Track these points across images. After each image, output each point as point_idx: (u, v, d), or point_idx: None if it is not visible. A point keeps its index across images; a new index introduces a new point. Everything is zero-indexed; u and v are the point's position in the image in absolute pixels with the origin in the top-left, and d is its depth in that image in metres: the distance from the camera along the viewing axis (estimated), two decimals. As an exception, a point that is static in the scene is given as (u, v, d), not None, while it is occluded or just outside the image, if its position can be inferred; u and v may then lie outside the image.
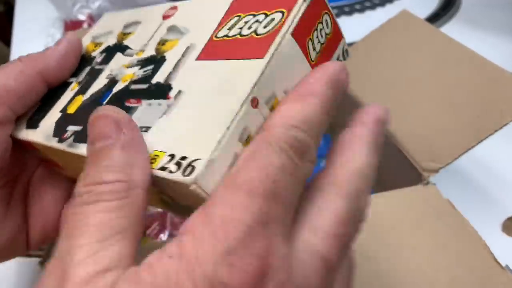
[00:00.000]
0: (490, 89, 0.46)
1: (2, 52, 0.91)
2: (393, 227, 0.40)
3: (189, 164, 0.19)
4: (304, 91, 0.20)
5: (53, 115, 0.29)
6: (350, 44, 0.59)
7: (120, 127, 0.20)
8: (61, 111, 0.29)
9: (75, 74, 0.31)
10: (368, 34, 0.56)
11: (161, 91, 0.24)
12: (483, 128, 0.44)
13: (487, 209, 0.48)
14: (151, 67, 0.27)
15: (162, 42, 0.28)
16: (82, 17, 0.72)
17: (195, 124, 0.21)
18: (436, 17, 0.76)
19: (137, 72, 0.27)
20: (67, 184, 0.31)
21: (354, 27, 0.79)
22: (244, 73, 0.21)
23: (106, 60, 0.31)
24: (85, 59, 0.32)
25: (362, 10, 0.81)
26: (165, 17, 0.30)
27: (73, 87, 0.30)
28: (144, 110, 0.24)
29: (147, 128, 0.23)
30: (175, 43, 0.27)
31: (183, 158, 0.20)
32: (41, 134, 0.28)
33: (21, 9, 0.76)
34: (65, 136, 0.26)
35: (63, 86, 0.31)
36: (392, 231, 0.39)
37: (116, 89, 0.27)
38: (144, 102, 0.24)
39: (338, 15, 0.80)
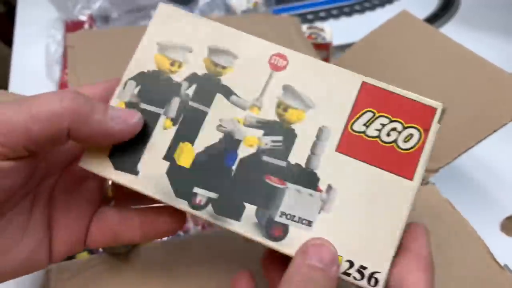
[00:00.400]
0: (489, 89, 0.46)
1: (3, 53, 0.91)
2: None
3: (371, 276, 0.25)
4: None
5: (155, 161, 0.27)
6: (350, 45, 0.59)
7: (334, 263, 0.25)
8: (166, 159, 0.27)
9: (158, 101, 0.28)
10: (367, 34, 0.57)
11: (309, 180, 0.27)
12: (483, 128, 0.44)
13: (486, 209, 0.49)
14: (279, 138, 0.27)
15: (284, 108, 0.28)
16: (83, 17, 0.72)
17: (364, 234, 0.26)
18: (435, 18, 0.76)
19: (264, 139, 0.27)
20: (95, 195, 0.30)
21: (354, 27, 0.79)
22: (396, 192, 0.26)
23: (203, 98, 0.28)
24: (165, 80, 0.29)
25: (362, 10, 0.81)
26: (274, 67, 0.28)
27: (166, 125, 0.28)
28: (294, 197, 0.27)
29: (309, 222, 0.26)
30: (301, 116, 0.27)
31: (363, 267, 0.26)
32: (152, 187, 0.27)
33: (22, 9, 0.76)
34: (198, 201, 0.27)
35: (143, 115, 0.28)
36: None
37: (241, 152, 0.27)
38: (291, 186, 0.27)
39: (338, 15, 0.80)
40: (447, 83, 0.49)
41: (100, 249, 0.41)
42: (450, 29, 0.74)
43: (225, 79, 0.28)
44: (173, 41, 0.29)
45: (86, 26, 0.70)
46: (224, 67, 0.28)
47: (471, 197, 0.49)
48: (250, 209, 0.26)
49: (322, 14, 0.81)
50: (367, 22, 0.69)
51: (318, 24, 0.78)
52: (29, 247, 0.27)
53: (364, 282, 0.25)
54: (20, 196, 0.26)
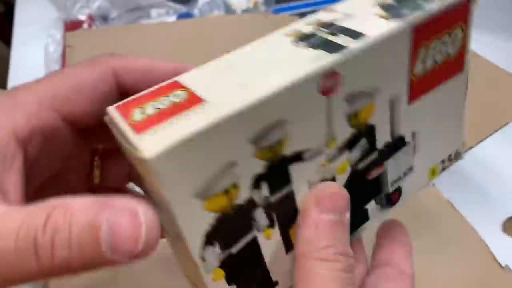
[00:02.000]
0: (490, 89, 0.46)
1: (2, 52, 0.91)
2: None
3: (457, 154, 0.31)
4: None
5: (280, 262, 0.24)
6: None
7: (346, 208, 0.23)
8: (288, 251, 0.24)
9: (244, 231, 0.22)
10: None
11: (398, 144, 0.27)
12: (483, 128, 0.44)
13: (487, 209, 0.48)
14: (363, 142, 0.25)
15: (354, 115, 0.23)
16: (82, 17, 0.72)
17: (441, 135, 0.29)
18: (436, 18, 0.76)
19: (351, 155, 0.25)
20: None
21: (354, 27, 0.79)
22: (454, 89, 0.28)
23: (280, 183, 0.22)
24: (235, 217, 0.21)
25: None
26: (327, 91, 0.21)
27: (267, 235, 0.23)
28: (393, 166, 0.27)
29: (410, 168, 0.29)
30: (371, 107, 0.24)
31: (449, 156, 0.31)
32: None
33: (21, 9, 0.76)
34: None
35: (244, 253, 0.22)
36: None
37: (342, 183, 0.25)
38: (387, 163, 0.27)
39: (337, 15, 0.79)
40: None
41: None
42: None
43: (288, 150, 0.21)
44: (207, 175, 0.19)
45: (85, 25, 0.69)
46: (279, 142, 0.21)
47: (472, 197, 0.48)
48: (371, 205, 0.27)
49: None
50: (367, 22, 0.70)
51: (318, 23, 0.78)
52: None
53: (451, 163, 0.31)
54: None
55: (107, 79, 0.22)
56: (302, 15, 0.80)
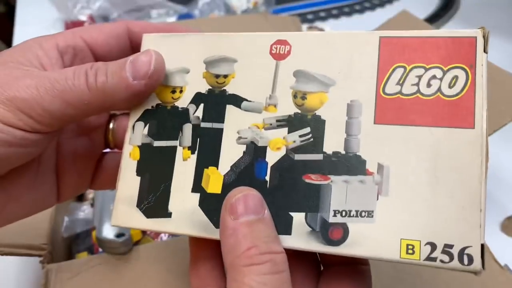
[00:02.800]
0: (489, 89, 0.46)
1: (3, 53, 0.91)
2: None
3: (462, 253, 0.20)
4: None
5: (184, 197, 0.24)
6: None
7: (261, 206, 0.22)
8: (195, 191, 0.24)
9: (170, 134, 0.26)
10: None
11: (354, 166, 0.22)
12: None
13: (486, 209, 0.48)
14: (307, 130, 0.23)
15: (302, 96, 0.24)
16: (82, 17, 0.71)
17: (436, 207, 0.21)
18: (436, 17, 0.76)
19: (290, 137, 0.23)
20: (99, 142, 0.30)
21: (354, 27, 0.78)
22: (460, 148, 0.21)
23: (214, 116, 0.25)
24: (171, 111, 0.26)
25: (361, 10, 0.81)
26: (278, 56, 0.25)
27: (185, 155, 0.25)
28: (343, 190, 0.22)
29: (369, 213, 0.22)
30: (324, 98, 0.23)
31: (448, 246, 0.21)
32: (188, 225, 0.24)
33: (22, 9, 0.75)
34: None
35: (160, 153, 0.25)
36: None
37: (270, 159, 0.24)
38: (336, 179, 0.22)
39: (338, 15, 0.79)
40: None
41: (100, 249, 0.40)
42: (451, 29, 0.74)
43: (231, 88, 0.25)
44: (168, 68, 0.26)
45: (86, 25, 0.70)
46: (225, 76, 0.25)
47: None
48: (298, 218, 0.23)
49: (322, 14, 0.79)
50: (367, 22, 0.68)
51: (318, 24, 0.76)
52: (39, 193, 0.28)
53: (455, 263, 0.20)
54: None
55: (121, 27, 0.28)
56: (302, 15, 0.80)
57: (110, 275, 0.36)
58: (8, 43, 0.74)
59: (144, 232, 0.41)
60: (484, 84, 0.22)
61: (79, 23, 0.69)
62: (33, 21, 0.72)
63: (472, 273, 0.21)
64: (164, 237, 0.43)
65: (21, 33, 0.71)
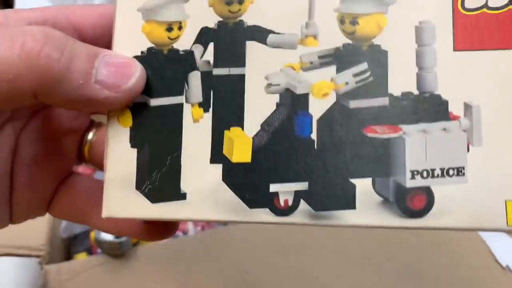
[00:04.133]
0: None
1: None
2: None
3: None
4: None
5: (202, 171, 0.19)
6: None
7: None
8: (215, 161, 0.19)
9: (172, 88, 0.19)
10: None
11: (433, 109, 0.17)
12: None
13: None
14: (364, 67, 0.18)
15: (351, 20, 0.18)
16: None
17: None
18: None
19: (340, 77, 0.18)
20: (70, 153, 0.24)
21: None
22: None
23: (231, 58, 0.19)
24: (169, 56, 0.19)
25: None
26: None
27: (196, 115, 0.19)
28: (421, 143, 0.17)
29: (458, 170, 0.17)
30: (382, 21, 0.18)
31: None
32: (212, 208, 0.18)
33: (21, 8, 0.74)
34: (284, 204, 0.18)
35: (161, 115, 0.19)
36: (392, 231, 0.38)
37: (315, 111, 0.18)
38: (410, 129, 0.17)
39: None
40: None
41: (99, 250, 0.40)
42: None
43: (250, 17, 0.19)
44: None
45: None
46: (241, 1, 0.19)
47: None
48: (363, 186, 0.17)
49: None
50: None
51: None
52: None
53: None
54: None
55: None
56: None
57: (109, 276, 0.37)
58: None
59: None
60: None
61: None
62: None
63: None
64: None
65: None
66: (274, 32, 0.18)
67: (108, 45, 0.20)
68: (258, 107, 0.18)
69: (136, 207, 0.19)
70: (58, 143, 0.23)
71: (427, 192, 0.17)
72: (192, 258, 0.38)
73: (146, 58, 0.19)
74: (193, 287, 0.36)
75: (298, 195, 0.18)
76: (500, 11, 0.17)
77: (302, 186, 0.18)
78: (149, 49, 0.19)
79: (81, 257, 0.42)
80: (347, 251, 0.38)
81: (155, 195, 0.19)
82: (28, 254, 0.36)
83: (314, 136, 0.18)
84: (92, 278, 0.36)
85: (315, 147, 0.18)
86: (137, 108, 0.19)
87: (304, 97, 0.18)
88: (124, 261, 0.37)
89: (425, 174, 0.17)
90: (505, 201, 0.16)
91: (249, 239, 0.38)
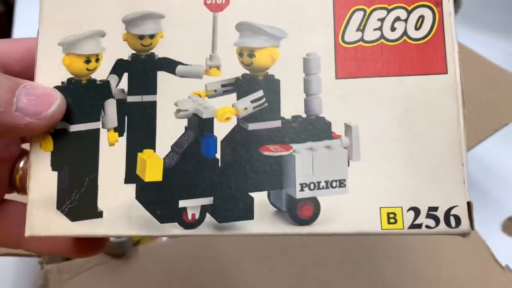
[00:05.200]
0: (490, 89, 0.46)
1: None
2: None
3: (448, 215, 0.19)
4: None
5: (117, 190, 0.20)
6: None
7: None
8: (129, 181, 0.20)
9: (89, 115, 0.21)
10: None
11: (318, 129, 0.19)
12: (484, 128, 0.44)
13: (487, 209, 0.46)
14: (259, 94, 0.20)
15: (249, 53, 0.20)
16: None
17: (414, 167, 0.19)
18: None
19: (240, 104, 0.20)
20: (1, 182, 0.24)
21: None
22: (433, 97, 0.19)
23: (143, 86, 0.21)
24: (87, 85, 0.21)
25: None
26: (214, 6, 0.21)
27: (111, 139, 0.21)
28: (308, 159, 0.19)
29: (340, 182, 0.19)
30: (275, 54, 0.20)
31: (433, 209, 0.19)
32: (126, 224, 0.20)
33: (21, 9, 0.75)
34: (191, 217, 0.20)
35: (79, 140, 0.21)
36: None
37: (219, 133, 0.20)
38: (299, 147, 0.19)
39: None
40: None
41: None
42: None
43: (160, 50, 0.21)
44: (77, 32, 0.21)
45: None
46: (152, 36, 0.21)
47: (472, 197, 0.47)
48: (260, 198, 0.19)
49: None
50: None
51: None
52: None
53: (442, 228, 0.19)
54: None
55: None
56: None
57: (109, 276, 0.36)
58: (7, 42, 0.73)
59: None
60: (453, 23, 0.19)
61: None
62: (32, 20, 0.72)
63: (461, 236, 0.19)
64: (164, 237, 0.43)
65: (20, 32, 0.70)
66: (182, 63, 0.20)
67: (34, 76, 0.21)
68: (169, 130, 0.20)
69: (57, 225, 0.20)
70: None
71: (314, 202, 0.19)
72: (192, 258, 0.37)
73: (66, 88, 0.21)
74: (193, 287, 0.36)
75: (204, 209, 0.19)
76: (373, 44, 0.19)
77: (208, 200, 0.19)
78: (69, 80, 0.21)
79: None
80: (347, 251, 0.38)
81: (74, 214, 0.20)
82: (29, 254, 0.35)
83: (218, 155, 0.19)
84: (92, 278, 0.35)
85: (219, 165, 0.19)
86: (57, 133, 0.20)
87: (210, 121, 0.20)
88: (124, 261, 0.36)
89: (312, 186, 0.19)
90: (380, 208, 0.19)
91: (249, 239, 0.37)
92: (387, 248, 0.38)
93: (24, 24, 0.75)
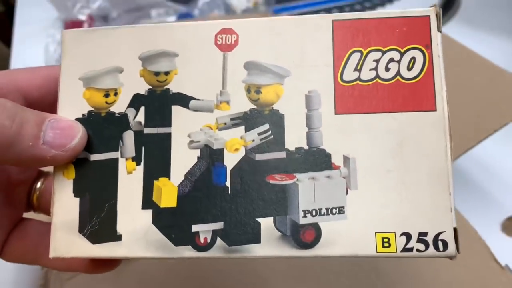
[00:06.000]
0: (490, 89, 0.46)
1: (2, 52, 0.91)
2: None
3: (436, 239, 0.20)
4: None
5: (135, 215, 0.22)
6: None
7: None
8: (146, 207, 0.22)
9: (109, 145, 0.22)
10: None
11: (319, 161, 0.21)
12: (483, 128, 0.44)
13: (486, 209, 0.46)
14: (266, 127, 0.21)
15: (256, 89, 0.22)
16: (82, 17, 0.71)
17: (406, 195, 0.20)
18: (436, 17, 0.76)
19: (248, 136, 0.21)
20: (20, 201, 0.26)
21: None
22: (424, 132, 0.21)
23: (159, 119, 0.22)
24: (106, 118, 0.22)
25: (362, 10, 0.81)
26: (224, 46, 0.22)
27: (129, 168, 0.22)
28: (310, 188, 0.21)
29: (340, 209, 0.21)
30: (279, 91, 0.22)
31: (423, 234, 0.20)
32: (143, 247, 0.21)
33: (21, 9, 0.75)
34: (203, 241, 0.21)
35: (100, 168, 0.22)
36: None
37: (229, 163, 0.21)
38: (302, 177, 0.21)
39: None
40: (448, 83, 0.49)
41: None
42: (451, 29, 0.73)
43: (174, 86, 0.22)
44: (96, 68, 0.23)
45: (86, 25, 0.69)
46: (167, 73, 0.23)
47: (472, 197, 0.47)
48: (266, 224, 0.21)
49: (322, 14, 0.80)
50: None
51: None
52: None
53: (431, 251, 0.20)
54: None
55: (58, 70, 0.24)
56: (302, 15, 0.80)
57: (109, 276, 0.33)
58: (7, 43, 0.73)
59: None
60: (441, 64, 0.21)
61: (79, 23, 0.69)
62: (32, 20, 0.71)
63: (448, 258, 0.20)
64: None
65: (20, 33, 0.70)
66: (195, 98, 0.22)
67: (52, 102, 0.22)
68: (182, 160, 0.22)
69: (79, 247, 0.21)
70: (8, 194, 0.24)
71: (316, 228, 0.20)
72: (191, 258, 0.37)
73: (87, 120, 0.22)
74: (194, 287, 0.36)
75: (215, 233, 0.21)
76: (369, 82, 0.21)
77: (219, 225, 0.21)
78: (89, 112, 0.22)
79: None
80: None
81: (95, 237, 0.21)
82: None
83: (228, 183, 0.21)
84: (92, 278, 0.35)
85: (229, 192, 0.21)
86: (79, 162, 0.22)
87: (220, 152, 0.21)
88: (124, 261, 0.34)
89: (314, 212, 0.21)
90: (375, 233, 0.20)
91: None
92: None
93: (24, 24, 0.76)
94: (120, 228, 0.22)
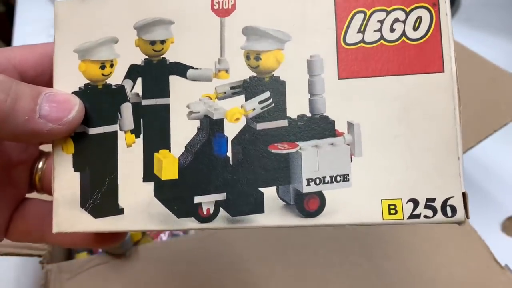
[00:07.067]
0: (490, 89, 0.46)
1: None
2: (393, 226, 0.39)
3: (445, 205, 0.20)
4: None
5: (136, 188, 0.21)
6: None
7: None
8: (147, 180, 0.21)
9: (107, 118, 0.22)
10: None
11: (322, 128, 0.20)
12: (483, 128, 0.44)
13: (486, 209, 0.46)
14: (266, 95, 0.21)
15: (255, 56, 0.21)
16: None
17: (413, 161, 0.20)
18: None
19: (248, 105, 0.21)
20: (22, 181, 0.26)
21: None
22: (431, 95, 0.20)
23: (157, 90, 0.22)
24: (103, 90, 0.22)
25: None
26: (221, 12, 0.22)
27: (128, 141, 0.22)
28: (314, 156, 0.20)
29: (344, 177, 0.20)
30: (280, 56, 0.21)
31: (430, 200, 0.20)
32: (146, 219, 0.21)
33: (22, 9, 0.75)
34: (206, 212, 0.21)
35: (99, 142, 0.22)
36: (391, 231, 0.39)
37: (229, 133, 0.21)
38: (305, 145, 0.20)
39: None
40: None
41: (100, 250, 0.40)
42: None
43: (171, 55, 0.22)
44: (91, 39, 0.22)
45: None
46: (163, 41, 0.22)
47: (472, 197, 0.47)
48: (269, 193, 0.21)
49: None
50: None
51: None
52: None
53: (439, 217, 0.20)
54: None
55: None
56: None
57: (110, 276, 0.36)
58: (7, 42, 0.74)
59: (143, 232, 0.39)
60: (449, 22, 0.20)
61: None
62: (32, 20, 0.72)
63: (456, 224, 0.20)
64: (164, 237, 0.42)
65: (20, 32, 0.71)
66: (192, 67, 0.21)
67: (49, 80, 0.22)
68: (182, 132, 0.21)
69: (82, 222, 0.21)
70: (9, 174, 0.24)
71: (320, 196, 0.20)
72: (192, 258, 0.37)
73: (84, 93, 0.22)
74: (193, 287, 0.36)
75: (218, 204, 0.20)
76: (374, 45, 0.20)
77: (221, 196, 0.21)
78: (86, 85, 0.22)
79: (82, 257, 0.41)
80: (347, 251, 0.38)
81: (97, 211, 0.21)
82: (29, 254, 0.35)
83: (229, 154, 0.21)
84: (93, 277, 0.36)
85: (231, 163, 0.21)
86: (77, 137, 0.21)
87: (220, 122, 0.21)
88: (124, 261, 0.37)
89: (317, 181, 0.20)
90: (381, 200, 0.20)
91: (249, 239, 0.38)
92: (387, 248, 0.38)
93: (24, 24, 0.76)
94: (122, 202, 0.21)
